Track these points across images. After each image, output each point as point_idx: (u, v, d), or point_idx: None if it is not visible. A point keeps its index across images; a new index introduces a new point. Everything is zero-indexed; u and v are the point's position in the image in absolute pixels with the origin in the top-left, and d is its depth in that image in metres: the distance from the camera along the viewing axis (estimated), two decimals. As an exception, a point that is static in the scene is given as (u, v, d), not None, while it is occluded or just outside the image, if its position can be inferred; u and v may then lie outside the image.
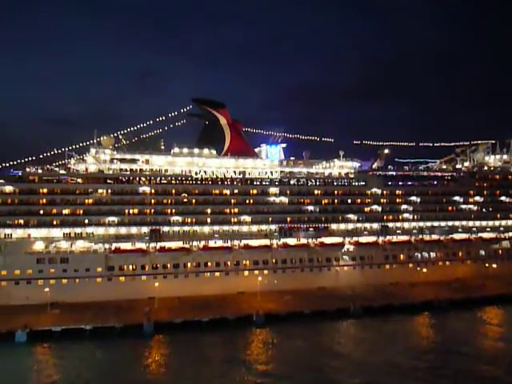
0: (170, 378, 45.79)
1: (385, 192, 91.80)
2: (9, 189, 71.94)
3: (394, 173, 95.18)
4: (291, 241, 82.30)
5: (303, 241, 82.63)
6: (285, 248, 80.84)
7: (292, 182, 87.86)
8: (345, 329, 62.99)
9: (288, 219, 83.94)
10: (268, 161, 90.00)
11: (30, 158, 76.72)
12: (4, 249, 68.29)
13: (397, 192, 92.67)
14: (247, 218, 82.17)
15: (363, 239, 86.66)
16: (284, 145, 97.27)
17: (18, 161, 77.78)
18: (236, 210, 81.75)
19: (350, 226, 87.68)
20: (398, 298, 71.98)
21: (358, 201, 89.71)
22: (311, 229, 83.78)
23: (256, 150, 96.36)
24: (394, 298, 72.07)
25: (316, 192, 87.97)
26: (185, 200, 79.46)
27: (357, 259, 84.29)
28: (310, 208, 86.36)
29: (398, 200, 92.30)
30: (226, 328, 60.11)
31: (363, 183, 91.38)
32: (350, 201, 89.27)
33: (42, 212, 72.23)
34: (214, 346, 55.04)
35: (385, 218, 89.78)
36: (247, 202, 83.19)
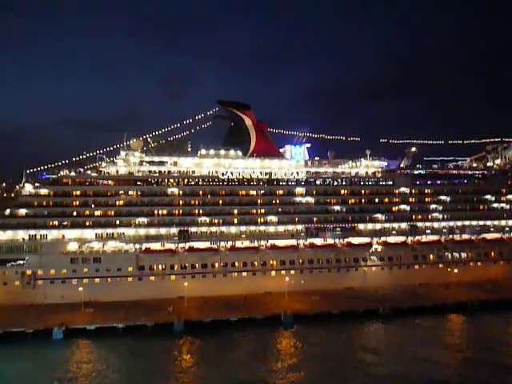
0: (200, 376, 46.54)
1: (413, 191, 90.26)
2: (44, 191, 74.78)
3: (423, 171, 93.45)
4: (318, 241, 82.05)
5: (330, 241, 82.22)
6: (311, 248, 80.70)
7: (318, 182, 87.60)
8: (374, 330, 62.40)
9: (314, 219, 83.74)
10: (293, 161, 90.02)
11: (63, 162, 79.62)
12: (40, 249, 70.96)
13: (426, 191, 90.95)
14: (273, 219, 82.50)
15: (391, 239, 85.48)
16: (308, 145, 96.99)
17: (52, 164, 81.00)
18: (262, 211, 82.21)
19: (378, 225, 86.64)
20: (429, 300, 70.71)
21: (386, 200, 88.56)
22: (338, 229, 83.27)
23: (280, 150, 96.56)
24: (424, 300, 70.87)
25: (342, 192, 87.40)
26: (211, 201, 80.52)
27: (385, 259, 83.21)
28: (337, 208, 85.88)
29: (426, 199, 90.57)
30: (255, 327, 60.62)
31: (391, 182, 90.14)
32: (377, 200, 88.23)
33: (75, 213, 74.72)
34: (243, 345, 55.71)
35: (413, 217, 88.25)
36: (273, 202, 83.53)
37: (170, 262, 74.47)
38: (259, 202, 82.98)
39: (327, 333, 59.12)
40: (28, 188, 74.99)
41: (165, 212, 78.48)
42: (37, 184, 75.55)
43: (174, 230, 77.47)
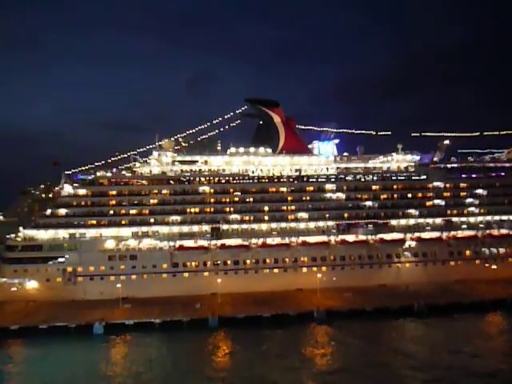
0: (234, 371, 47.30)
1: (448, 185, 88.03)
2: (82, 192, 77.89)
3: (457, 165, 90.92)
4: (349, 237, 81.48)
5: (362, 237, 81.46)
6: (343, 245, 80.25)
7: (348, 178, 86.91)
8: (409, 327, 61.51)
9: (345, 215, 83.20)
10: (323, 157, 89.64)
11: (99, 163, 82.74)
12: (79, 247, 73.99)
13: (461, 185, 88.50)
14: (304, 215, 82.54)
15: (425, 235, 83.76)
16: (337, 141, 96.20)
17: (89, 166, 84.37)
18: (293, 207, 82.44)
19: (411, 221, 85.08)
20: (466, 296, 68.96)
21: (419, 195, 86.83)
22: (370, 225, 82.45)
23: (308, 147, 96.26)
24: (460, 296, 69.16)
25: (374, 187, 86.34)
26: (242, 198, 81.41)
27: (419, 255, 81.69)
28: (368, 204, 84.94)
29: (462, 193, 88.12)
30: (287, 324, 61.00)
31: (424, 177, 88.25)
32: (410, 195, 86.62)
33: (111, 212, 77.41)
34: (276, 341, 56.22)
35: (448, 212, 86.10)
36: (303, 199, 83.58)
37: (202, 259, 75.95)
38: (289, 198, 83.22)
39: (361, 330, 58.77)
40: (67, 189, 78.31)
41: (197, 210, 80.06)
42: (75, 185, 78.78)
43: (207, 228, 78.91)
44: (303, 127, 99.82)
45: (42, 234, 74.21)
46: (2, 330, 57.08)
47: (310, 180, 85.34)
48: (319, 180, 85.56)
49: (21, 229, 77.17)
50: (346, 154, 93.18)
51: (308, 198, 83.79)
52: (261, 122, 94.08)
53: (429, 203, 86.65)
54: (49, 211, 76.65)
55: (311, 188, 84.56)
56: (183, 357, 51.39)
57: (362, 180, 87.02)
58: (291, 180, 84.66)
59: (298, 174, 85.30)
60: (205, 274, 75.55)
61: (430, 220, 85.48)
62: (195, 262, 75.65)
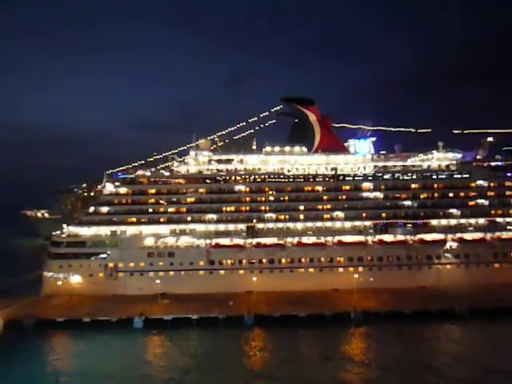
0: (270, 369, 47.46)
1: (492, 184, 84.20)
2: (123, 190, 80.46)
3: (502, 163, 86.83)
4: (387, 237, 79.65)
5: (400, 237, 79.42)
6: (381, 245, 78.56)
7: (386, 177, 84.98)
8: (450, 330, 59.58)
9: (383, 215, 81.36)
10: (360, 155, 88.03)
11: (139, 162, 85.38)
12: (120, 244, 76.47)
13: (506, 184, 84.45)
14: (340, 214, 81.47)
15: (468, 236, 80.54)
16: (373, 138, 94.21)
17: (129, 165, 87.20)
18: (329, 206, 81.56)
19: (453, 221, 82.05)
20: (510, 300, 65.79)
21: (462, 194, 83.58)
22: (409, 225, 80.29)
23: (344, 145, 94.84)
24: (505, 300, 66.07)
25: (413, 186, 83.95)
26: (277, 197, 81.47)
27: (461, 257, 78.71)
28: (407, 203, 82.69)
29: (507, 192, 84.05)
30: (323, 324, 60.51)
31: (467, 175, 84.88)
32: (451, 194, 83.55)
33: (151, 210, 79.51)
34: (311, 342, 55.97)
35: (493, 212, 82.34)
36: (339, 198, 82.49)
37: (238, 257, 76.57)
38: (325, 197, 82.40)
39: (399, 332, 57.38)
40: (109, 187, 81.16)
41: (232, 209, 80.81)
42: (116, 183, 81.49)
43: (242, 226, 79.49)
44: (339, 125, 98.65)
45: (86, 231, 77.25)
46: (48, 322, 60.08)
47: (347, 179, 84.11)
48: (356, 179, 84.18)
49: (64, 226, 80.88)
50: (383, 152, 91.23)
51: (344, 196, 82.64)
52: (296, 121, 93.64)
53: (471, 203, 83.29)
54: (91, 209, 79.76)
55: (347, 187, 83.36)
56: (220, 353, 52.21)
57: (401, 179, 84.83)
58: (327, 179, 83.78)
59: (333, 172, 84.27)
60: (240, 272, 76.15)
61: (472, 220, 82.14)
62: (231, 259, 76.38)
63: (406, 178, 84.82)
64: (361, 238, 79.35)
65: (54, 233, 79.63)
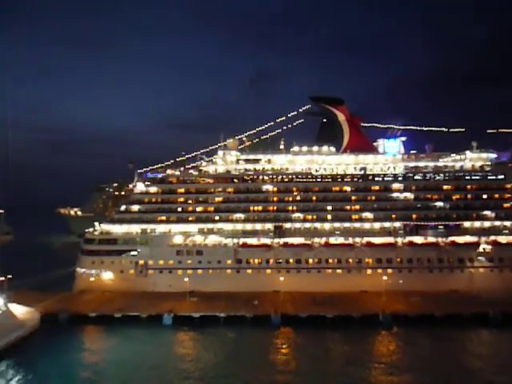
0: (298, 369, 47.35)
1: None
2: (153, 189, 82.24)
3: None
4: (418, 239, 78.00)
5: (431, 239, 77.65)
6: (411, 246, 77.03)
7: (417, 177, 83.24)
8: (482, 336, 57.78)
9: (413, 216, 79.78)
10: (390, 155, 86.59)
11: (168, 162, 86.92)
12: (150, 241, 78.13)
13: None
14: (369, 215, 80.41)
15: (503, 238, 77.82)
16: (404, 138, 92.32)
17: (158, 165, 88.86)
18: (357, 207, 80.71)
19: (486, 223, 79.53)
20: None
21: (496, 196, 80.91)
22: (440, 227, 78.32)
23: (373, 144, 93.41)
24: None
25: (445, 187, 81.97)
26: (304, 197, 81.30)
27: (494, 260, 76.14)
28: (439, 204, 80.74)
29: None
30: (351, 326, 59.94)
31: (502, 176, 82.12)
32: (485, 196, 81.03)
33: (180, 209, 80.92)
34: (339, 343, 55.48)
35: (530, 214, 79.32)
36: (368, 198, 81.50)
37: (265, 257, 76.79)
38: (353, 198, 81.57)
39: (430, 336, 56.19)
40: (139, 186, 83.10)
41: (260, 208, 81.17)
42: (147, 183, 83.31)
43: (269, 226, 79.69)
44: (368, 124, 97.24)
45: (117, 229, 79.35)
46: (81, 317, 62.09)
47: (376, 179, 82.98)
48: (386, 179, 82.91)
49: (96, 224, 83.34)
50: (413, 151, 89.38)
51: (373, 197, 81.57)
52: (324, 120, 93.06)
53: (506, 205, 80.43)
54: (123, 207, 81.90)
55: (377, 187, 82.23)
56: (247, 351, 52.51)
57: (432, 179, 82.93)
58: (356, 179, 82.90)
59: (363, 172, 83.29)
60: (267, 271, 76.35)
61: (507, 223, 79.31)
62: (258, 259, 76.69)
63: (437, 178, 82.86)
64: (390, 240, 78.07)
65: (86, 230, 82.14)
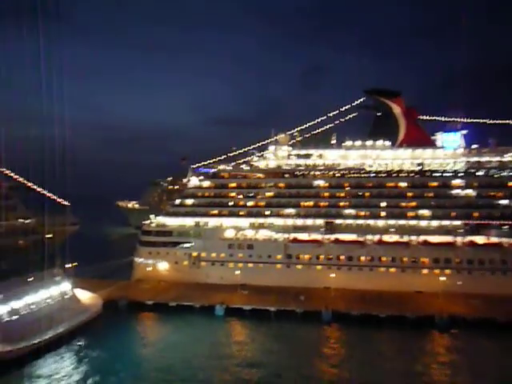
0: (347, 368, 46.69)
1: None
2: (206, 184, 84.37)
3: None
4: (479, 239, 73.73)
5: (494, 239, 73.03)
6: (471, 247, 72.93)
7: (480, 173, 78.56)
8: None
9: (475, 215, 75.43)
10: (450, 150, 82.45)
11: (220, 157, 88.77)
12: (203, 234, 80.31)
13: None
14: (426, 213, 77.11)
15: None
16: (464, 131, 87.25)
17: (210, 160, 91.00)
18: (413, 204, 77.68)
19: (560, 224, 73.46)
20: None
21: None
22: (505, 226, 73.43)
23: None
24: None
25: (510, 184, 76.65)
26: (357, 193, 79.69)
27: None
28: (504, 202, 75.68)
29: None
30: (404, 326, 58.10)
31: None
32: (559, 194, 74.82)
33: (231, 204, 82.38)
34: (392, 343, 54.09)
35: None
36: (426, 195, 78.17)
37: (316, 253, 76.22)
38: (409, 194, 78.62)
39: (490, 342, 52.98)
40: (193, 181, 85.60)
41: (311, 204, 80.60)
42: (200, 177, 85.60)
43: (320, 222, 78.94)
44: (425, 117, 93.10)
45: (172, 222, 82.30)
46: (139, 304, 65.37)
47: (434, 175, 79.40)
48: (445, 175, 79.05)
49: (152, 216, 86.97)
50: (475, 146, 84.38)
51: (431, 194, 78.12)
52: (379, 114, 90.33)
53: None
54: (178, 201, 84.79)
55: (435, 183, 78.64)
56: (297, 347, 52.60)
57: (497, 175, 77.86)
58: (412, 175, 79.82)
59: (420, 168, 79.99)
60: (318, 267, 75.74)
61: None
62: (308, 254, 76.29)
63: (502, 174, 77.69)
64: (449, 239, 74.42)
65: (144, 222, 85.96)
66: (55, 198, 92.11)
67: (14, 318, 49.55)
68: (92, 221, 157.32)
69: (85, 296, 63.81)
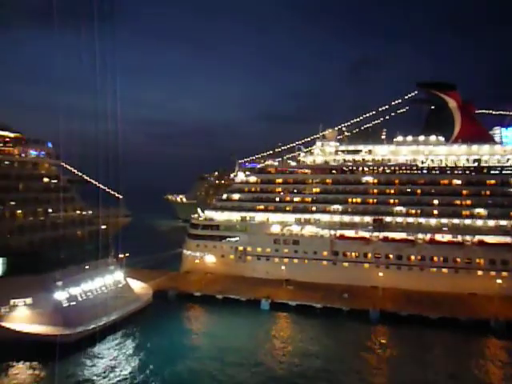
0: (394, 370, 45.56)
1: None
2: (253, 179, 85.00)
3: None
4: (542, 241, 68.99)
5: (557, 241, 68.05)
6: (532, 248, 68.46)
7: (544, 171, 73.32)
8: None
9: (538, 215, 70.58)
10: (509, 146, 77.60)
11: (266, 153, 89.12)
12: (249, 229, 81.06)
13: None
14: (482, 212, 73.20)
15: None
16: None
17: (256, 155, 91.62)
18: (469, 202, 73.98)
19: None
20: None
21: None
22: None
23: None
24: None
25: None
26: (408, 190, 77.09)
27: None
28: None
29: None
30: (457, 330, 55.64)
31: None
32: None
33: (277, 199, 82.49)
34: (442, 346, 52.02)
35: None
36: (483, 193, 74.16)
37: (363, 250, 74.67)
38: (465, 192, 74.91)
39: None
40: (240, 176, 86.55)
41: (359, 200, 78.95)
42: (247, 172, 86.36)
43: (368, 219, 77.16)
44: (483, 111, 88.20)
45: (219, 216, 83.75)
46: (187, 295, 67.35)
47: (492, 172, 75.05)
48: (504, 172, 74.48)
49: (199, 210, 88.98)
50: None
51: (488, 192, 73.97)
52: (432, 108, 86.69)
53: None
54: (225, 196, 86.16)
55: (493, 181, 74.34)
56: (344, 343, 52.07)
57: None
58: (468, 171, 75.94)
59: (476, 164, 75.93)
60: (365, 265, 74.20)
61: None
62: (355, 252, 74.89)
63: None
64: (507, 240, 70.19)
65: (192, 216, 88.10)
66: (109, 190, 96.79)
67: (73, 304, 52.70)
68: (142, 213, 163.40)
69: (136, 285, 66.63)
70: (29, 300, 50.01)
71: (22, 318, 49.31)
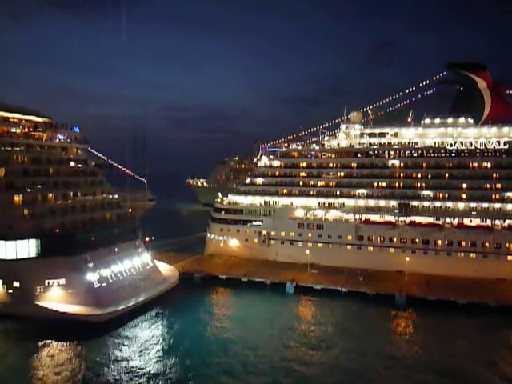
0: (418, 354, 45.15)
1: None
2: (276, 163, 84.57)
3: None
4: None
5: None
6: None
7: None
8: None
9: None
10: (543, 127, 74.66)
11: (289, 137, 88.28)
12: (273, 213, 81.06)
13: None
14: (513, 196, 71.21)
15: None
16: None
17: (279, 139, 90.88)
18: (499, 186, 71.99)
19: None
20: None
21: None
22: None
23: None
24: None
25: None
26: (436, 173, 75.41)
27: None
28: None
29: None
30: (486, 316, 54.77)
31: None
32: None
33: (301, 183, 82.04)
34: (471, 333, 51.18)
35: None
36: (514, 176, 71.95)
37: (388, 235, 73.89)
38: (495, 175, 72.86)
39: None
40: (264, 160, 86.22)
41: (384, 184, 77.82)
42: (271, 156, 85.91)
43: (394, 203, 76.07)
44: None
45: (243, 200, 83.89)
46: (213, 278, 68.18)
47: (524, 155, 72.55)
48: (536, 155, 71.95)
49: (219, 194, 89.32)
50: None
51: (519, 175, 71.72)
52: (461, 89, 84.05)
53: None
54: (248, 180, 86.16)
55: (525, 164, 71.94)
56: (371, 327, 52.01)
57: None
58: (498, 154, 73.67)
59: (507, 147, 73.53)
60: (390, 250, 73.49)
61: None
62: (381, 237, 74.17)
63: None
64: (539, 224, 68.31)
65: (216, 200, 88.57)
66: (134, 175, 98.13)
67: (103, 285, 54.04)
68: (165, 197, 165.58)
69: (163, 267, 67.80)
70: (62, 281, 51.56)
71: (56, 298, 50.97)
